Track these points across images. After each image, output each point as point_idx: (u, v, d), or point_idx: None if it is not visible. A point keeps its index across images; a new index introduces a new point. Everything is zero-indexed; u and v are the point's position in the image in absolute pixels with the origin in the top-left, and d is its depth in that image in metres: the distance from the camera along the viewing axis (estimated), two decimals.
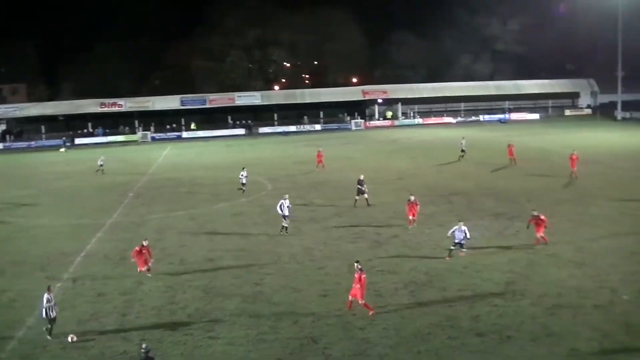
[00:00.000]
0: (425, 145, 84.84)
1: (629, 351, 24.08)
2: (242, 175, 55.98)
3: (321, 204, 50.49)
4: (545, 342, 24.79)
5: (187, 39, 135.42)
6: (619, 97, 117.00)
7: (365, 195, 48.85)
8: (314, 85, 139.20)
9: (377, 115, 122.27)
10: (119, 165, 79.77)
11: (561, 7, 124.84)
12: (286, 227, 41.77)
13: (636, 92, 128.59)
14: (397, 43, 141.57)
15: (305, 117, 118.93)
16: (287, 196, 42.76)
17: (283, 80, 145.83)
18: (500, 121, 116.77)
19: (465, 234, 35.10)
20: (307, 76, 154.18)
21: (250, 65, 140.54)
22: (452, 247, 35.43)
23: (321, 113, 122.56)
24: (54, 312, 26.39)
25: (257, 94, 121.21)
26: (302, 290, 30.79)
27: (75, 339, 25.79)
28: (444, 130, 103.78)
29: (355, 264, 28.14)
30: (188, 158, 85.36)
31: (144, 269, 33.51)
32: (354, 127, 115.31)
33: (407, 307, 28.57)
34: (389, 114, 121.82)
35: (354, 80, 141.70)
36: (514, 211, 45.43)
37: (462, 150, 70.24)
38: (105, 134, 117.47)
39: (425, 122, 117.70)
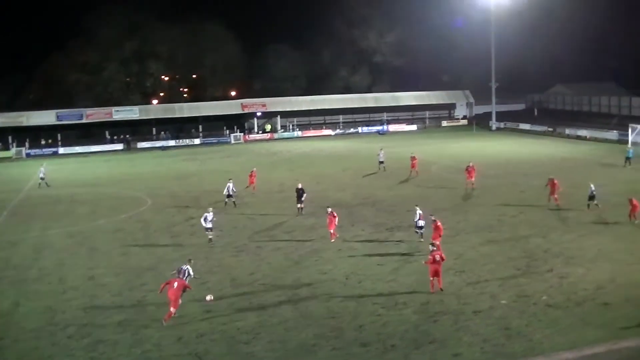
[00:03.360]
0: (305, 158, 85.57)
1: (509, 354, 24.96)
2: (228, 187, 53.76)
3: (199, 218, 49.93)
4: (429, 349, 25.38)
5: (62, 51, 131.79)
6: (493, 107, 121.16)
7: (301, 205, 49.80)
8: (193, 98, 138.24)
9: (256, 129, 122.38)
10: None
11: (457, 20, 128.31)
12: (210, 239, 42.34)
13: (509, 103, 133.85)
14: (275, 56, 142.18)
15: (164, 132, 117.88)
16: (210, 209, 43.29)
17: (161, 94, 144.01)
18: (378, 133, 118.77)
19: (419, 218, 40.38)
20: (185, 90, 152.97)
21: (128, 79, 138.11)
22: (417, 232, 40.56)
23: (200, 127, 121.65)
24: None
25: (135, 108, 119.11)
26: (184, 306, 30.52)
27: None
28: (323, 142, 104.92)
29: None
30: (65, 174, 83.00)
31: None
32: (233, 141, 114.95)
33: (292, 319, 28.73)
34: (268, 126, 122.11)
35: (233, 93, 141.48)
36: (394, 221, 46.43)
37: (381, 162, 71.23)
38: None
39: (305, 135, 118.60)
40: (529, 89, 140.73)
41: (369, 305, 30.04)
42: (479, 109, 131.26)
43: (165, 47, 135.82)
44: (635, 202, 43.30)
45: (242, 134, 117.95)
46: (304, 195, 50.06)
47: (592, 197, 48.34)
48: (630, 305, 29.47)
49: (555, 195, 50.69)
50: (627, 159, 70.53)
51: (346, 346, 25.91)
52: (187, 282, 29.74)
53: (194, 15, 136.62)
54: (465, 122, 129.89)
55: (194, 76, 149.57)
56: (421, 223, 40.53)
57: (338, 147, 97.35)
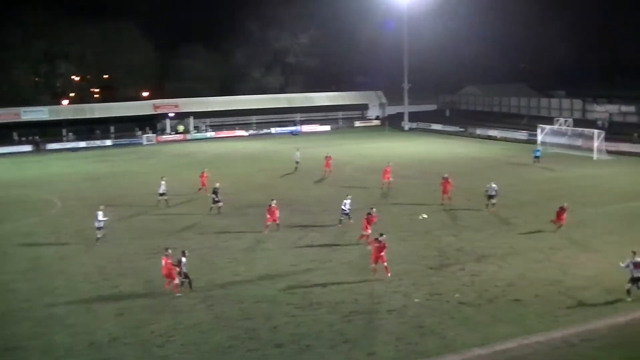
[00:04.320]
0: (219, 159, 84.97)
1: (422, 352, 25.33)
2: (162, 185, 53.73)
3: (115, 220, 48.86)
4: (343, 349, 25.57)
5: None
6: (405, 108, 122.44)
7: (220, 204, 49.87)
8: (104, 99, 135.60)
9: (168, 130, 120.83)
10: None
11: (390, 23, 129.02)
12: (98, 237, 42.38)
13: (422, 104, 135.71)
14: (188, 56, 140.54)
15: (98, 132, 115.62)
16: (102, 207, 43.55)
17: (72, 94, 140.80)
18: (292, 133, 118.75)
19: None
20: (97, 90, 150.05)
21: (37, 79, 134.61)
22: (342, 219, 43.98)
23: (112, 128, 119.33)
24: None
25: (45, 108, 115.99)
26: (97, 310, 30.00)
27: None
28: (237, 143, 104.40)
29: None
30: None
31: None
32: (145, 142, 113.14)
33: (206, 322, 28.56)
34: (181, 127, 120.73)
35: (146, 94, 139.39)
36: (308, 221, 46.60)
37: (297, 162, 71.37)
38: None
39: (218, 136, 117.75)
40: (441, 90, 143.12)
41: (283, 306, 30.08)
42: (392, 110, 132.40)
43: (75, 47, 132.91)
44: (563, 215, 43.23)
45: (154, 135, 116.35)
46: (218, 195, 50.21)
47: (491, 197, 49.38)
48: (540, 301, 30.31)
49: (447, 195, 51.82)
50: (536, 158, 72.71)
51: (261, 347, 25.89)
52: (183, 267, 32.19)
53: (105, 15, 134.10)
54: (378, 122, 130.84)
55: (106, 77, 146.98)
56: (347, 210, 44.49)
57: (252, 147, 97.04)
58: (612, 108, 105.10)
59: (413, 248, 39.29)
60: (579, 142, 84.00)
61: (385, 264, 33.62)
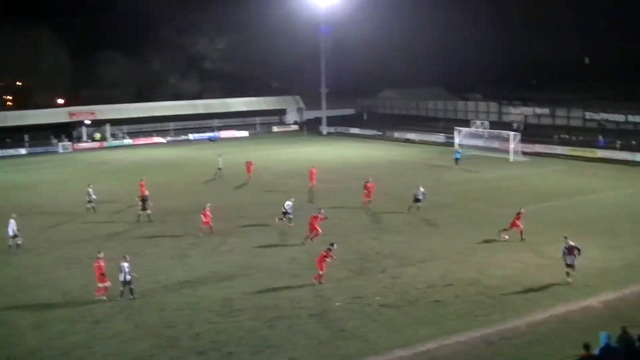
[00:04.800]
0: (136, 166, 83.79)
1: (344, 355, 25.42)
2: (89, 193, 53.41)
3: (32, 230, 47.51)
4: (265, 354, 25.52)
5: None
6: (323, 112, 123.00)
7: (148, 211, 49.50)
8: (18, 107, 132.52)
9: (85, 137, 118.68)
10: None
11: (323, 27, 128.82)
12: (10, 245, 42.07)
13: (340, 108, 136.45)
14: (105, 63, 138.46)
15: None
16: (14, 215, 43.00)
17: None
18: (209, 139, 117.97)
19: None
20: (9, 97, 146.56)
21: None
22: (282, 218, 45.36)
23: (26, 136, 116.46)
24: None
25: None
26: (13, 323, 29.27)
27: None
28: (155, 150, 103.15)
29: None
30: None
31: None
32: (61, 150, 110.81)
33: (127, 331, 28.16)
34: (97, 135, 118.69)
35: (61, 101, 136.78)
36: (228, 228, 46.31)
37: (219, 168, 70.78)
38: None
39: (135, 143, 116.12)
40: (359, 94, 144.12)
41: (204, 313, 29.88)
42: (310, 114, 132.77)
43: None
44: (517, 222, 43.56)
45: (70, 143, 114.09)
46: (148, 202, 50.08)
47: (417, 200, 50.08)
48: (460, 301, 30.79)
49: (369, 199, 52.45)
50: (456, 159, 74.06)
51: (183, 356, 25.67)
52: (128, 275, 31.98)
53: (19, 20, 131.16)
54: (296, 127, 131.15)
55: (19, 83, 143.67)
56: (287, 209, 45.71)
57: (170, 154, 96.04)
58: (527, 110, 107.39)
59: (334, 252, 39.44)
60: (495, 144, 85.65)
61: (322, 272, 33.68)
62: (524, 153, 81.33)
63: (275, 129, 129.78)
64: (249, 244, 42.01)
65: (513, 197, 55.55)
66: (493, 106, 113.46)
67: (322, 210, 42.98)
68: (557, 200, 54.29)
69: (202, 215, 44.88)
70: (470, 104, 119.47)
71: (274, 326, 28.22)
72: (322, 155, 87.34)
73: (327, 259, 33.61)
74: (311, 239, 41.61)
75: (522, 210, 42.55)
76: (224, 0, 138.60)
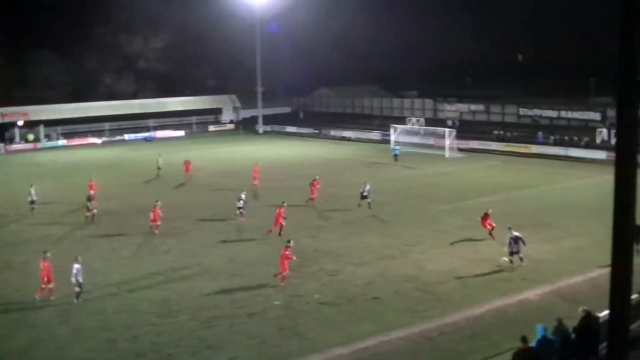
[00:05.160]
0: (71, 167, 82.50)
1: (285, 354, 25.51)
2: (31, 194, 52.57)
3: None
4: (205, 355, 25.45)
5: None
6: (259, 111, 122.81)
7: (95, 211, 49.23)
8: None
9: (18, 139, 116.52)
10: None
11: (272, 24, 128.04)
12: None
13: (276, 106, 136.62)
14: (37, 63, 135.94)
15: None
16: None
17: None
18: (145, 139, 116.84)
19: None
20: None
21: None
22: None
23: None
24: None
25: None
26: None
27: None
28: (90, 151, 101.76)
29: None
30: None
31: None
32: None
33: (64, 335, 27.80)
34: (31, 136, 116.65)
35: None
36: (166, 228, 45.79)
37: (159, 168, 70.17)
38: None
39: (70, 144, 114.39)
40: (295, 92, 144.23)
41: (142, 315, 29.65)
42: (246, 113, 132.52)
43: None
44: (488, 221, 43.78)
45: (3, 144, 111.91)
46: (92, 202, 49.75)
47: (364, 197, 50.54)
48: (398, 297, 31.13)
49: (313, 196, 52.84)
50: (395, 156, 75.00)
51: (121, 358, 25.50)
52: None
53: None
54: (232, 126, 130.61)
55: None
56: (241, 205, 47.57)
57: (106, 155, 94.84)
58: (462, 107, 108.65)
59: (271, 251, 39.22)
60: (431, 140, 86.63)
61: (286, 273, 33.72)
62: (460, 149, 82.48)
63: (211, 128, 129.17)
64: (187, 244, 41.82)
65: (449, 192, 56.37)
66: (428, 103, 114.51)
67: (284, 203, 44.88)
68: (493, 195, 55.12)
69: (151, 213, 44.87)
70: (406, 102, 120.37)
71: (213, 326, 28.15)
72: (258, 154, 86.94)
73: (288, 258, 33.69)
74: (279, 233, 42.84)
75: (490, 211, 42.32)
76: None
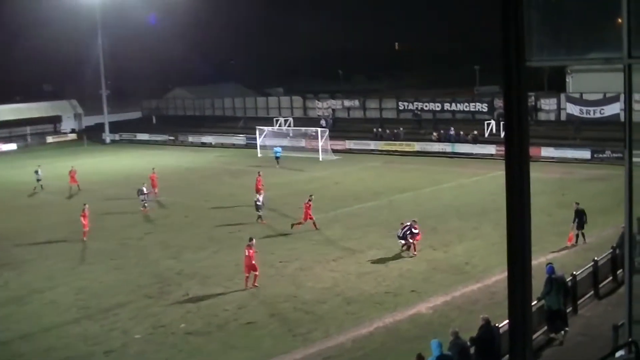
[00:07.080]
0: None
1: None
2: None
3: None
4: None
5: None
6: (105, 118, 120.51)
7: None
8: None
9: None
10: None
11: (152, 17, 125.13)
12: None
13: (125, 112, 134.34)
14: None
15: None
16: None
17: None
18: None
19: None
20: None
21: None
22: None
23: None
24: None
25: None
26: None
27: None
28: None
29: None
30: None
31: None
32: None
33: None
34: None
35: None
36: None
37: (38, 180, 69.10)
38: None
39: None
40: (145, 94, 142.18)
41: None
42: (90, 120, 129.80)
43: None
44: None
45: None
46: None
47: (258, 208, 50.11)
48: (276, 320, 31.05)
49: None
50: (276, 158, 75.62)
51: None
52: None
53: None
54: (74, 136, 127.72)
55: None
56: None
57: None
58: (335, 103, 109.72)
59: (127, 277, 38.67)
60: (302, 142, 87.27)
61: (257, 272, 35.33)
62: (335, 151, 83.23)
63: (50, 139, 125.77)
64: (27, 276, 40.40)
65: (326, 200, 56.60)
66: (297, 101, 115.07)
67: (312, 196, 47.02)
68: (374, 200, 55.94)
69: (81, 218, 46.45)
70: (272, 100, 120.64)
71: None
72: (106, 167, 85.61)
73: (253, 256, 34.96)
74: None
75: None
76: None
